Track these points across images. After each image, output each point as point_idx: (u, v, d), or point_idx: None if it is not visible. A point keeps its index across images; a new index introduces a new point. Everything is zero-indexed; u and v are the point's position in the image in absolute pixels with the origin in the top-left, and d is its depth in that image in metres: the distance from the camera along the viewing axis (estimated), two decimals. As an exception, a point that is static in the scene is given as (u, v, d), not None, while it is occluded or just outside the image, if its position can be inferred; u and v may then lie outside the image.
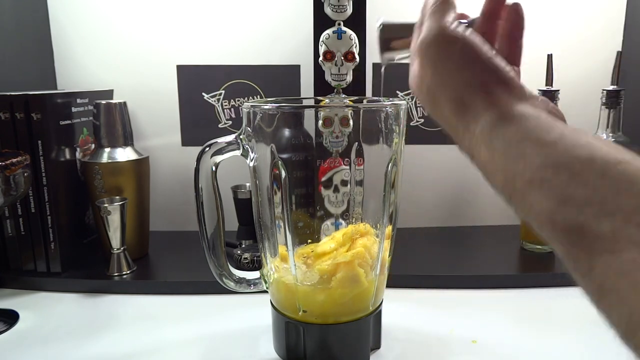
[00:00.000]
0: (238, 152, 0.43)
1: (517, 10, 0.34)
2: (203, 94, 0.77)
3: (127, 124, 0.66)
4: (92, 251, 0.68)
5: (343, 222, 0.46)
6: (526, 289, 0.60)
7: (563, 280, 0.60)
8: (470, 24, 0.35)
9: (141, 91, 0.76)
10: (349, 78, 0.62)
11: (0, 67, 0.67)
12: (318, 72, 0.62)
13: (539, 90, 0.64)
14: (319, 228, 0.46)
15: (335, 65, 0.60)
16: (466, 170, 0.80)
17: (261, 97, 0.77)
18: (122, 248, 0.62)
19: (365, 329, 0.45)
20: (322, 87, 0.62)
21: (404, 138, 0.44)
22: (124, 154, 0.65)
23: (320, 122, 0.43)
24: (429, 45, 0.30)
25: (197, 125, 0.78)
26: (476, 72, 0.29)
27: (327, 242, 0.44)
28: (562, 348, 0.47)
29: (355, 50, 0.60)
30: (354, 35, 0.60)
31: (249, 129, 0.42)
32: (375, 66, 0.75)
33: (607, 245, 0.20)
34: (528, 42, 0.35)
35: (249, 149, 0.43)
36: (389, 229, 0.44)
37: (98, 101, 0.65)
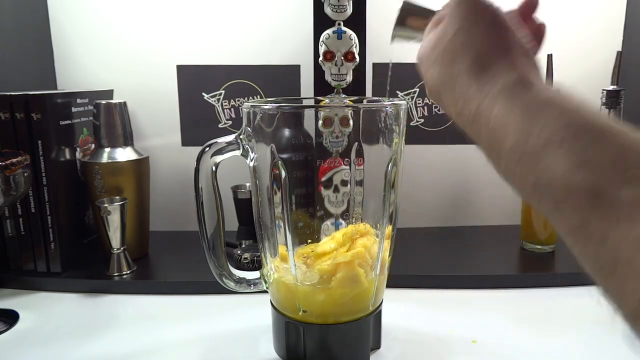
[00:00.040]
0: (238, 152, 0.43)
1: None
2: (203, 94, 0.77)
3: (127, 124, 0.66)
4: (92, 251, 0.68)
5: (343, 222, 0.46)
6: (526, 289, 0.60)
7: (563, 280, 0.61)
8: None
9: (141, 91, 0.76)
10: (349, 78, 0.62)
11: (0, 67, 0.67)
12: (318, 72, 0.62)
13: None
14: (319, 228, 0.46)
15: (335, 65, 0.60)
16: (466, 170, 0.80)
17: (261, 97, 0.77)
18: (122, 248, 0.62)
19: (365, 329, 0.45)
20: (322, 87, 0.62)
21: (404, 138, 0.44)
22: (124, 154, 0.65)
23: (320, 122, 0.43)
24: (461, 3, 0.31)
25: (197, 125, 0.78)
26: (504, 36, 0.30)
27: (327, 242, 0.44)
28: (562, 348, 0.47)
29: (355, 50, 0.60)
30: (354, 35, 0.60)
31: (249, 129, 0.42)
32: (376, 66, 0.75)
33: (625, 214, 0.19)
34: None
35: (249, 149, 0.43)
36: (389, 229, 0.44)
37: (98, 101, 0.65)
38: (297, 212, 0.43)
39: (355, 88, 0.63)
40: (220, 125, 0.78)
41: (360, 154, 0.43)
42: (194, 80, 0.76)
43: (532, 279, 0.62)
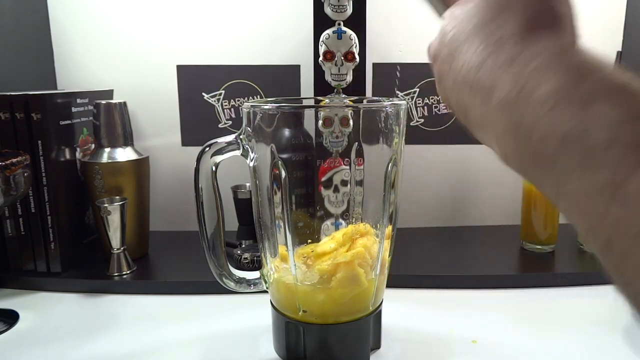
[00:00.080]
0: (238, 152, 0.43)
1: None
2: (203, 94, 0.77)
3: (127, 124, 0.66)
4: (92, 251, 0.68)
5: (343, 222, 0.46)
6: (526, 289, 0.60)
7: (563, 280, 0.61)
8: None
9: (141, 91, 0.76)
10: (349, 78, 0.62)
11: (0, 67, 0.67)
12: (318, 72, 0.62)
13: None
14: (319, 228, 0.46)
15: (335, 65, 0.60)
16: (466, 170, 0.81)
17: (261, 97, 0.77)
18: (122, 248, 0.62)
19: (365, 329, 0.45)
20: (322, 87, 0.62)
21: (404, 138, 0.44)
22: (124, 154, 0.65)
23: (320, 122, 0.43)
24: None
25: (197, 125, 0.78)
26: (549, 4, 0.26)
27: (327, 242, 0.44)
28: (562, 348, 0.47)
29: (355, 50, 0.60)
30: (354, 35, 0.60)
31: (249, 129, 0.42)
32: (376, 66, 0.75)
33: None
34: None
35: (249, 149, 0.43)
36: (389, 229, 0.44)
37: (98, 101, 0.65)
38: (297, 212, 0.43)
39: (355, 88, 0.63)
40: (220, 125, 0.78)
41: (360, 154, 0.43)
42: (194, 80, 0.76)
43: (532, 279, 0.62)
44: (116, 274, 0.62)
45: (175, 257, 0.68)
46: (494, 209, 0.81)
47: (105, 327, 0.52)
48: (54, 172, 0.61)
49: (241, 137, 0.43)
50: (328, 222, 0.46)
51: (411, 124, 0.78)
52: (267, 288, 0.46)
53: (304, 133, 0.43)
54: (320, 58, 0.61)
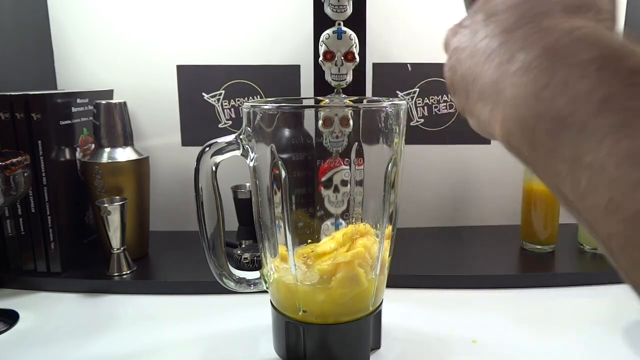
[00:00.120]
0: (238, 152, 0.43)
1: None
2: (203, 94, 0.77)
3: (127, 124, 0.66)
4: (92, 251, 0.68)
5: (343, 222, 0.46)
6: (526, 289, 0.60)
7: (563, 280, 0.61)
8: None
9: (141, 91, 0.76)
10: (349, 78, 0.62)
11: (0, 67, 0.67)
12: (318, 72, 0.62)
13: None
14: (319, 228, 0.46)
15: (335, 65, 0.60)
16: (466, 170, 0.81)
17: (261, 97, 0.77)
18: (122, 248, 0.62)
19: (365, 329, 0.45)
20: (322, 87, 0.62)
21: (404, 138, 0.44)
22: (124, 154, 0.65)
23: (320, 122, 0.43)
24: None
25: (197, 125, 0.78)
26: None
27: (327, 242, 0.44)
28: (562, 348, 0.47)
29: (355, 50, 0.60)
30: (354, 35, 0.60)
31: (249, 129, 0.42)
32: (376, 66, 0.75)
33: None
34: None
35: (249, 149, 0.43)
36: (389, 229, 0.44)
37: (98, 101, 0.65)
38: (297, 212, 0.43)
39: (355, 88, 0.63)
40: (220, 125, 0.78)
41: (360, 154, 0.43)
42: (194, 80, 0.76)
43: (532, 279, 0.62)
44: (116, 274, 0.62)
45: (175, 257, 0.68)
46: (494, 209, 0.81)
47: (105, 327, 0.52)
48: (54, 172, 0.61)
49: (241, 137, 0.43)
50: (328, 222, 0.46)
51: (411, 124, 0.78)
52: (267, 288, 0.46)
53: (304, 133, 0.43)
54: (320, 58, 0.61)
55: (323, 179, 0.45)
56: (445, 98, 0.77)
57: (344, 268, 0.42)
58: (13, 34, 0.69)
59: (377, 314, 0.46)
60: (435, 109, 0.78)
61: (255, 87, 0.76)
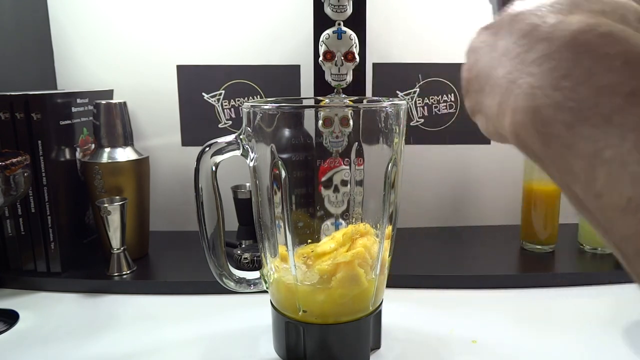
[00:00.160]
0: (238, 152, 0.43)
1: None
2: (203, 94, 0.77)
3: (127, 124, 0.66)
4: (92, 251, 0.68)
5: (343, 222, 0.46)
6: (526, 289, 0.60)
7: (563, 280, 0.61)
8: None
9: (141, 91, 0.76)
10: (349, 78, 0.62)
11: (0, 67, 0.67)
12: (318, 72, 0.62)
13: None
14: (319, 228, 0.46)
15: (335, 65, 0.60)
16: (466, 170, 0.81)
17: (261, 97, 0.77)
18: (122, 248, 0.62)
19: (365, 329, 0.45)
20: (322, 87, 0.62)
21: (404, 138, 0.44)
22: (124, 154, 0.65)
23: (320, 122, 0.43)
24: None
25: (197, 125, 0.78)
26: None
27: (327, 242, 0.44)
28: (562, 348, 0.47)
29: (355, 50, 0.60)
30: (354, 35, 0.60)
31: (249, 129, 0.42)
32: (376, 66, 0.75)
33: None
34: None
35: (249, 149, 0.43)
36: (389, 229, 0.44)
37: (98, 101, 0.65)
38: (297, 212, 0.43)
39: (355, 88, 0.63)
40: (220, 125, 0.78)
41: (360, 154, 0.43)
42: (194, 80, 0.76)
43: (532, 279, 0.62)
44: (116, 274, 0.62)
45: (175, 257, 0.68)
46: (494, 209, 0.81)
47: (105, 327, 0.52)
48: (54, 172, 0.61)
49: (241, 137, 0.43)
50: (328, 222, 0.46)
51: (411, 124, 0.78)
52: (267, 288, 0.46)
53: (304, 133, 0.43)
54: (320, 58, 0.61)
55: (323, 179, 0.45)
56: (445, 98, 0.77)
57: (344, 268, 0.42)
58: (13, 34, 0.69)
59: (377, 314, 0.46)
60: (435, 109, 0.78)
61: (255, 87, 0.76)
